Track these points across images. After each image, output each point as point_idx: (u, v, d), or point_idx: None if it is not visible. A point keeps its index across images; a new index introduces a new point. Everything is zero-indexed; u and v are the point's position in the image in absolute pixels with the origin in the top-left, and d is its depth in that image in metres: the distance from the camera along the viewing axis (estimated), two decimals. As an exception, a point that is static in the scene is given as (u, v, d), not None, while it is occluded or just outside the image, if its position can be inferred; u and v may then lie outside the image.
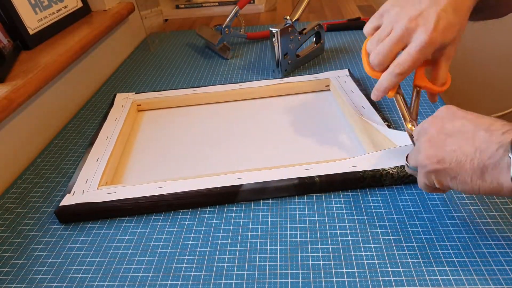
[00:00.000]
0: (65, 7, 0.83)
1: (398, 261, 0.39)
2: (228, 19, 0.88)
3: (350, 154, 0.54)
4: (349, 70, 0.72)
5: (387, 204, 0.46)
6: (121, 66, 0.91)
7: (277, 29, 0.71)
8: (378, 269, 0.39)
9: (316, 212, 0.46)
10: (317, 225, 0.44)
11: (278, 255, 0.41)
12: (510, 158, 0.30)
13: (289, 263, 0.40)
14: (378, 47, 0.43)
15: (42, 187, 0.55)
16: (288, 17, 0.74)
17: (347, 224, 0.44)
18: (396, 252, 0.40)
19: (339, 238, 0.42)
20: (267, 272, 0.39)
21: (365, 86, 0.70)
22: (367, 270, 0.39)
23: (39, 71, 0.63)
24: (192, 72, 0.84)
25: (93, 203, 0.48)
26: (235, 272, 0.40)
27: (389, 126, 0.55)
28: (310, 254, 0.41)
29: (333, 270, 0.39)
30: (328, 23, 0.98)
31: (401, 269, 0.39)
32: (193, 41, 1.01)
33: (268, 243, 0.43)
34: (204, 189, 0.48)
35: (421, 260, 0.39)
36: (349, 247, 0.41)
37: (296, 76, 0.73)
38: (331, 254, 0.41)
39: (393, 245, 0.41)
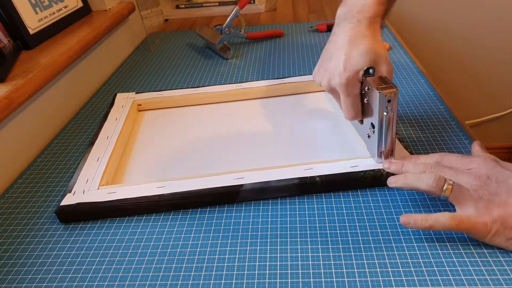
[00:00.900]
0: (66, 7, 0.83)
1: (398, 261, 0.39)
2: (228, 19, 0.88)
3: (351, 154, 0.54)
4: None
5: (387, 204, 0.46)
6: (121, 66, 0.91)
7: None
8: (378, 269, 0.39)
9: (316, 212, 0.46)
10: (317, 225, 0.44)
11: (278, 255, 0.41)
12: None
13: (289, 263, 0.40)
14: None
15: (43, 186, 0.55)
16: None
17: (347, 224, 0.44)
18: (396, 252, 0.40)
19: (339, 238, 0.42)
20: (267, 272, 0.39)
21: None
22: (367, 270, 0.39)
23: (39, 71, 0.63)
24: (192, 72, 0.84)
25: (94, 202, 0.48)
26: (235, 272, 0.40)
27: None
28: (310, 254, 0.41)
29: (333, 270, 0.39)
30: (328, 23, 0.98)
31: (401, 269, 0.39)
32: (193, 41, 1.02)
33: (268, 243, 0.43)
34: (204, 189, 0.48)
35: (421, 260, 0.39)
36: (349, 247, 0.41)
37: (297, 76, 0.73)
38: (331, 254, 0.41)
39: (393, 245, 0.41)
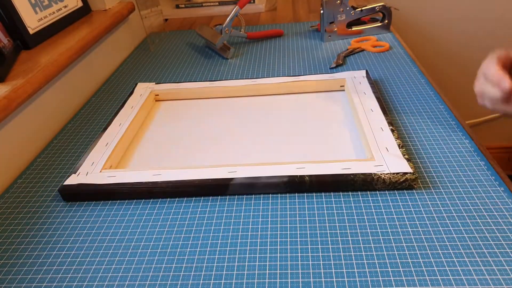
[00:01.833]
0: (65, 6, 0.83)
1: (398, 261, 0.39)
2: (228, 19, 0.88)
3: (351, 156, 0.54)
4: (367, 71, 0.72)
5: (379, 210, 0.46)
6: (121, 66, 0.91)
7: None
8: (378, 269, 0.39)
9: (306, 212, 0.46)
10: (307, 225, 0.44)
11: (268, 247, 0.42)
12: None
13: (278, 255, 0.41)
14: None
15: (42, 186, 0.55)
16: None
17: (337, 225, 0.44)
18: (396, 252, 0.40)
19: (329, 238, 0.42)
20: (257, 263, 0.40)
21: (380, 88, 0.70)
22: (355, 270, 0.39)
23: (39, 71, 0.63)
24: (192, 71, 0.84)
25: (93, 184, 0.51)
26: (225, 264, 0.40)
27: (393, 131, 0.55)
28: (299, 254, 0.41)
29: (322, 270, 0.39)
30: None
31: (401, 269, 0.39)
32: (193, 41, 1.01)
33: (259, 236, 0.44)
34: (195, 180, 0.49)
35: (421, 260, 0.39)
36: (339, 247, 0.41)
37: (312, 74, 0.73)
38: (320, 254, 0.41)
39: (393, 245, 0.41)
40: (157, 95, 0.74)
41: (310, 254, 0.41)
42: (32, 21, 0.72)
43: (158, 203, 0.50)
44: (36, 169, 0.58)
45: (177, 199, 0.50)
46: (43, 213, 0.50)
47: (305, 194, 0.49)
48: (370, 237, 0.42)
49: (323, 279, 0.38)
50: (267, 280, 0.39)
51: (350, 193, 0.48)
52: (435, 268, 0.38)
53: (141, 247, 0.44)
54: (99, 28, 0.83)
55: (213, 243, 0.43)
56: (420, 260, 0.39)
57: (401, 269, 0.39)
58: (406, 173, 0.47)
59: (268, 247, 0.42)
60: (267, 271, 0.40)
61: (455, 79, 1.44)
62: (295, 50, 0.90)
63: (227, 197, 0.50)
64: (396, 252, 0.40)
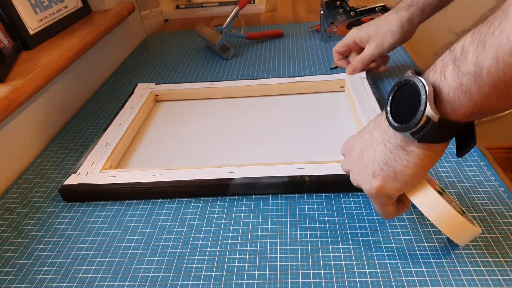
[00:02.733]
0: (66, 7, 0.83)
1: (398, 261, 0.39)
2: (228, 20, 0.88)
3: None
4: (366, 72, 0.72)
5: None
6: (121, 66, 0.91)
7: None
8: (378, 270, 0.39)
9: (306, 212, 0.46)
10: (307, 225, 0.45)
11: (268, 247, 0.42)
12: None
13: (278, 255, 0.41)
14: None
15: (42, 187, 0.55)
16: None
17: (337, 225, 0.44)
18: (396, 253, 0.40)
19: (329, 239, 0.43)
20: (257, 264, 0.40)
21: (380, 89, 0.70)
22: (355, 270, 0.39)
23: (39, 71, 0.63)
24: (192, 72, 0.84)
25: (94, 184, 0.51)
26: (225, 264, 0.40)
27: None
28: (299, 255, 0.41)
29: (322, 270, 0.39)
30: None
31: (401, 269, 0.39)
32: (193, 42, 1.01)
33: (259, 237, 0.44)
34: (195, 180, 0.49)
35: (421, 260, 0.39)
36: (339, 248, 0.41)
37: (312, 75, 0.73)
38: (320, 254, 0.41)
39: (393, 245, 0.41)
40: (157, 95, 0.74)
41: (310, 255, 0.41)
42: (32, 21, 0.72)
43: (158, 203, 0.50)
44: (36, 170, 0.58)
45: (177, 199, 0.50)
46: (43, 213, 0.50)
47: (305, 195, 0.49)
48: (370, 238, 0.42)
49: (323, 280, 0.38)
50: (267, 280, 0.39)
51: (350, 193, 0.48)
52: (435, 268, 0.38)
53: (141, 247, 0.44)
54: (99, 29, 0.83)
55: (213, 244, 0.43)
56: (420, 260, 0.39)
57: (401, 269, 0.39)
58: None
59: (268, 248, 0.42)
60: (267, 271, 0.40)
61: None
62: (295, 50, 0.90)
63: (227, 197, 0.50)
64: (396, 253, 0.40)
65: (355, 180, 0.40)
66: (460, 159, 0.52)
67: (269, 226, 0.45)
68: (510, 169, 1.60)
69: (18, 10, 0.69)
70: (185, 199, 0.50)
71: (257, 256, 0.41)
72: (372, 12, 0.89)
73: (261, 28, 1.06)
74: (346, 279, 0.38)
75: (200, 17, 1.22)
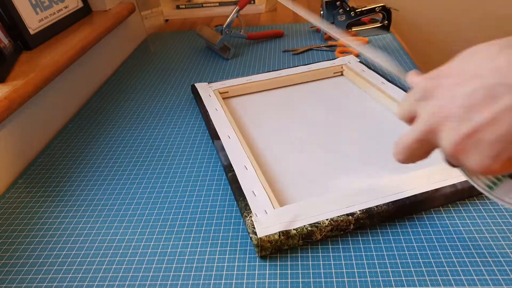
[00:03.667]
0: (66, 7, 0.83)
1: (398, 261, 0.39)
2: (228, 20, 0.88)
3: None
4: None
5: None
6: (122, 67, 0.91)
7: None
8: (378, 270, 0.39)
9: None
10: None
11: (278, 255, 0.41)
12: None
13: (278, 255, 0.40)
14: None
15: (43, 187, 0.55)
16: None
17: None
18: (396, 253, 0.40)
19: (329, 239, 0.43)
20: (257, 264, 0.40)
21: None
22: (355, 270, 0.39)
23: (40, 72, 0.63)
24: (192, 72, 0.84)
25: None
26: (225, 264, 0.40)
27: None
28: (299, 255, 0.41)
29: (322, 271, 0.39)
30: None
31: (401, 269, 0.39)
32: (194, 42, 1.02)
33: None
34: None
35: (420, 260, 0.39)
36: (339, 248, 0.41)
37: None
38: (320, 254, 0.41)
39: (393, 245, 0.41)
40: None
41: (310, 255, 0.41)
42: (33, 21, 0.72)
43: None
44: (36, 170, 0.58)
45: (177, 199, 0.50)
46: (44, 213, 0.50)
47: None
48: (371, 238, 0.42)
49: (323, 280, 0.38)
50: (267, 280, 0.39)
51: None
52: (435, 268, 0.38)
53: (141, 247, 0.44)
54: (99, 29, 0.83)
55: (213, 243, 0.44)
56: (420, 260, 0.39)
57: (400, 269, 0.39)
58: None
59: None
60: (267, 271, 0.40)
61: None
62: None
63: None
64: (396, 253, 0.40)
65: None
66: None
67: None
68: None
69: (18, 10, 0.69)
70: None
71: (257, 256, 0.42)
72: (372, 12, 0.89)
73: (261, 28, 1.06)
74: (346, 279, 0.38)
75: (200, 17, 1.23)
